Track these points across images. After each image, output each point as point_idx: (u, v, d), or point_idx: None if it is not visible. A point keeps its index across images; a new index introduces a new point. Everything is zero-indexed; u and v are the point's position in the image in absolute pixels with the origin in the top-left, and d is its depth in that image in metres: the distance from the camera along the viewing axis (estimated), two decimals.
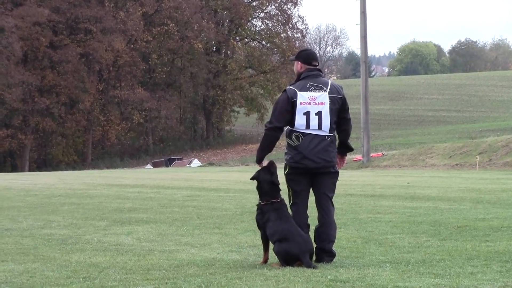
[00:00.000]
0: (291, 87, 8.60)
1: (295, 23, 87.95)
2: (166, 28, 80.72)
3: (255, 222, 8.64)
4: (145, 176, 35.06)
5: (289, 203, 8.63)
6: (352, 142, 8.96)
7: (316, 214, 8.70)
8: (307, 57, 8.74)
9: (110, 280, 7.64)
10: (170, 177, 33.75)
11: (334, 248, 8.64)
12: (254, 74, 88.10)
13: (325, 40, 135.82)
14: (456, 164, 38.80)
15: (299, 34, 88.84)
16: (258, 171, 8.60)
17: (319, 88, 8.54)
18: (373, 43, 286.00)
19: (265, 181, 8.52)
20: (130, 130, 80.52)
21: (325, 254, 8.52)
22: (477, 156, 37.81)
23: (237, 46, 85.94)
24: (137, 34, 78.72)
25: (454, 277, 7.37)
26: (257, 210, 8.57)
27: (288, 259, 8.18)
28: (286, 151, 8.65)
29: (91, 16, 76.12)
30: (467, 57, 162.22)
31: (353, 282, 7.19)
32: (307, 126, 8.47)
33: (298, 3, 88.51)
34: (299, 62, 8.72)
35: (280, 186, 8.55)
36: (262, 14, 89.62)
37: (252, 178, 8.63)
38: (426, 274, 7.58)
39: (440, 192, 19.46)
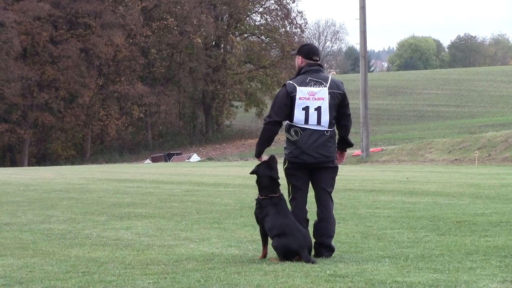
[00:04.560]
0: (290, 81, 8.59)
1: (294, 17, 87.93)
2: (165, 22, 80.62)
3: (254, 217, 8.64)
4: (144, 171, 35.05)
5: (289, 197, 8.63)
6: (351, 137, 8.93)
7: (315, 209, 8.70)
8: (308, 52, 8.72)
9: (109, 274, 7.64)
10: (169, 172, 33.75)
11: (333, 243, 8.64)
12: (253, 69, 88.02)
13: (325, 35, 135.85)
14: (455, 159, 38.81)
15: (298, 29, 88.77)
16: (258, 166, 8.59)
17: (319, 83, 8.53)
18: (372, 38, 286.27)
19: (264, 176, 8.51)
20: (129, 125, 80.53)
21: (324, 249, 8.52)
22: (476, 151, 37.82)
23: (236, 41, 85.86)
24: (136, 28, 78.65)
25: (453, 272, 7.37)
26: (256, 204, 8.57)
27: (286, 254, 8.18)
28: (285, 145, 8.65)
29: (90, 11, 76.09)
30: (466, 52, 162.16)
31: (352, 277, 7.19)
32: (306, 121, 8.46)
33: None
34: (300, 57, 8.70)
35: (280, 181, 8.55)
36: (261, 9, 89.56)
37: (252, 173, 8.63)
38: (425, 269, 7.58)
39: (439, 187, 19.46)
